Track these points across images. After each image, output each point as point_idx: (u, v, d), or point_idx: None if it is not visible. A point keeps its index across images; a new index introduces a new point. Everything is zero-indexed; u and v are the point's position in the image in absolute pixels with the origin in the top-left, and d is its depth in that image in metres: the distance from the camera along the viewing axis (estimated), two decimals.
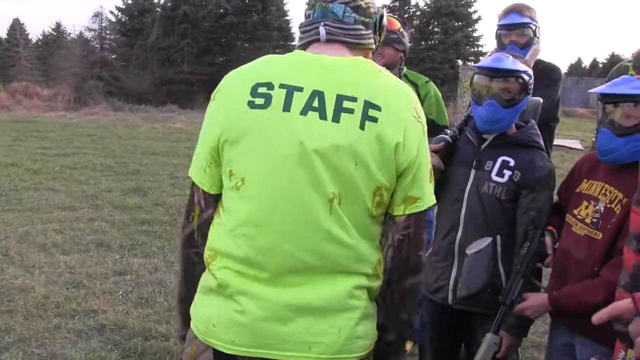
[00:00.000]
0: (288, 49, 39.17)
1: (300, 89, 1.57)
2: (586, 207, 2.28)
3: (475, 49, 38.81)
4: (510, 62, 2.43)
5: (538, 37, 3.41)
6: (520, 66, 2.44)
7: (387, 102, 1.59)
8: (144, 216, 6.98)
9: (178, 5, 35.87)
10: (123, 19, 38.40)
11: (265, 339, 1.59)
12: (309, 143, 1.53)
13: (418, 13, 39.92)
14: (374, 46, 1.79)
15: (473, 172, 2.50)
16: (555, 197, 2.58)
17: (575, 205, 2.33)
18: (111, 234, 6.30)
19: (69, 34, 48.81)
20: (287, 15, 39.01)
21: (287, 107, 1.56)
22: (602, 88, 2.22)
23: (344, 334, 1.61)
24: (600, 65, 53.84)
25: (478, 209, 2.46)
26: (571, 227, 2.31)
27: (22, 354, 3.65)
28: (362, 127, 1.54)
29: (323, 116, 1.55)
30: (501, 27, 3.44)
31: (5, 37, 49.85)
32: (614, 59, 46.71)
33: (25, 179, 8.92)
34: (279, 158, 1.55)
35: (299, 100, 1.56)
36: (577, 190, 2.36)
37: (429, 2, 39.04)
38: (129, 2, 38.32)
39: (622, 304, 1.31)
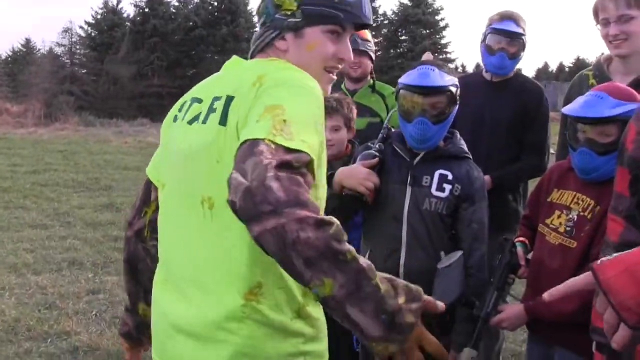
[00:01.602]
0: None
1: (200, 100, 1.54)
2: (559, 217, 2.28)
3: (444, 55, 39.25)
4: (437, 77, 2.32)
5: (524, 49, 3.33)
6: (447, 80, 2.33)
7: (241, 89, 1.44)
8: (117, 233, 6.88)
9: (147, 19, 35.76)
10: (93, 34, 38.13)
11: (166, 354, 1.50)
12: (184, 148, 1.50)
13: (386, 22, 40.25)
14: (274, 40, 1.59)
15: (409, 188, 2.37)
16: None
17: (547, 215, 2.33)
18: (83, 251, 6.22)
19: (39, 49, 48.26)
20: (256, 27, 39.05)
21: (185, 117, 1.55)
22: (577, 110, 2.15)
23: None
24: (567, 69, 54.68)
25: (420, 227, 2.34)
26: (544, 237, 2.31)
27: None
28: (222, 122, 1.42)
29: (200, 121, 1.49)
30: (494, 30, 3.30)
31: None
32: (579, 64, 47.58)
33: None
34: (170, 165, 1.57)
35: (195, 110, 1.53)
36: (548, 199, 2.36)
37: (396, 11, 39.45)
38: (98, 17, 38.10)
39: (581, 278, 1.18)
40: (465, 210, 2.35)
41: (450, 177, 2.35)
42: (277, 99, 1.35)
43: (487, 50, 3.33)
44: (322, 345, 1.52)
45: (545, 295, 1.22)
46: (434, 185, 2.35)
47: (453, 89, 2.33)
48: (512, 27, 3.28)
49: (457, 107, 2.38)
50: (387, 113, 3.72)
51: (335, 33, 1.58)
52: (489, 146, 3.24)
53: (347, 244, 1.17)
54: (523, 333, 4.02)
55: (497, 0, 62.78)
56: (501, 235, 3.07)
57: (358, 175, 2.30)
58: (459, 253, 2.26)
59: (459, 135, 2.49)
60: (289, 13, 1.55)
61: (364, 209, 2.43)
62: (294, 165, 1.22)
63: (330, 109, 2.74)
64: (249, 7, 39.13)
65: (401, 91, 2.39)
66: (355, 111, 2.90)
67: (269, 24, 1.60)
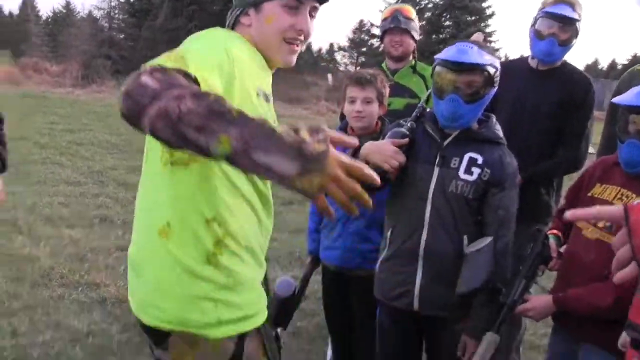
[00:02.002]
0: None
1: None
2: None
3: (489, 44, 38.64)
4: (475, 54, 2.25)
5: (576, 37, 3.15)
6: (486, 58, 2.26)
7: None
8: None
9: None
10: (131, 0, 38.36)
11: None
12: None
13: (430, 5, 39.75)
14: (239, 17, 1.71)
15: (437, 169, 2.33)
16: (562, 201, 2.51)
17: None
18: (114, 209, 6.45)
19: (78, 12, 48.83)
20: None
21: None
22: (631, 99, 2.11)
23: (137, 296, 1.63)
24: (620, 67, 53.12)
25: (445, 208, 2.31)
26: (581, 231, 2.26)
27: (29, 320, 3.80)
28: None
29: None
30: (547, 14, 3.12)
31: (17, 13, 49.86)
32: (635, 61, 46.04)
33: (34, 152, 9.09)
34: None
35: None
36: (589, 194, 2.31)
37: None
38: None
39: (611, 208, 1.16)
40: (493, 196, 2.30)
41: (480, 161, 2.30)
42: (182, 46, 1.49)
43: (537, 35, 3.16)
44: (241, 298, 1.59)
45: (568, 214, 1.18)
46: (462, 168, 2.30)
47: (491, 70, 2.26)
48: (567, 12, 3.09)
49: (494, 89, 2.31)
50: (428, 96, 3.74)
51: (293, 7, 1.67)
52: (527, 134, 3.14)
53: (232, 106, 1.19)
54: (543, 327, 4.08)
55: None
56: (531, 228, 3.03)
57: (384, 152, 2.28)
58: (489, 239, 2.24)
59: (494, 120, 2.44)
60: None
61: (386, 185, 2.39)
62: (169, 69, 1.28)
63: (364, 81, 2.77)
64: None
65: (436, 67, 2.32)
66: (387, 88, 2.89)
67: (236, 2, 1.72)
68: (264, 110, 1.60)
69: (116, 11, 38.87)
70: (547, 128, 3.17)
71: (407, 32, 3.70)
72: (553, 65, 3.22)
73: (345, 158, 1.19)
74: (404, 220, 2.40)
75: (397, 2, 38.28)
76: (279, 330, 1.89)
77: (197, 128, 1.16)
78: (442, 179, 2.32)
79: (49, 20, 52.38)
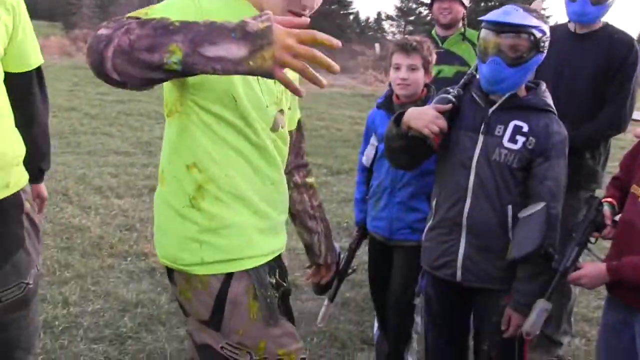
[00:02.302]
0: (344, 5, 38.74)
1: None
2: None
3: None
4: (519, 16, 2.18)
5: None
6: (531, 21, 2.19)
7: None
8: None
9: None
10: None
11: None
12: None
13: None
14: None
15: (481, 137, 2.28)
16: (616, 169, 2.46)
17: None
18: None
19: None
20: None
21: None
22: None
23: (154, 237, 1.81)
24: None
25: (488, 177, 2.26)
26: (638, 199, 2.19)
27: (80, 290, 3.83)
28: None
29: None
30: None
31: None
32: None
33: (84, 123, 9.20)
34: None
35: None
36: None
37: None
38: None
39: None
40: (538, 166, 2.23)
41: (525, 129, 2.24)
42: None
43: None
44: (226, 242, 1.66)
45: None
46: (507, 136, 2.25)
47: (537, 34, 2.19)
48: None
49: (541, 55, 2.24)
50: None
51: None
52: (567, 101, 3.02)
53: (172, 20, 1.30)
54: (596, 299, 4.01)
55: None
56: (576, 195, 3.03)
57: (425, 117, 2.26)
58: (542, 204, 2.16)
59: (544, 87, 2.36)
60: None
61: (431, 153, 2.39)
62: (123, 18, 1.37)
63: (409, 48, 2.71)
64: None
65: (482, 30, 2.27)
66: (434, 55, 2.81)
67: None
68: None
69: None
70: (587, 92, 3.10)
71: None
72: (592, 28, 3.16)
73: (299, 31, 1.26)
74: (447, 188, 2.37)
75: None
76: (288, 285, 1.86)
77: (148, 49, 1.27)
78: (486, 146, 2.27)
79: None
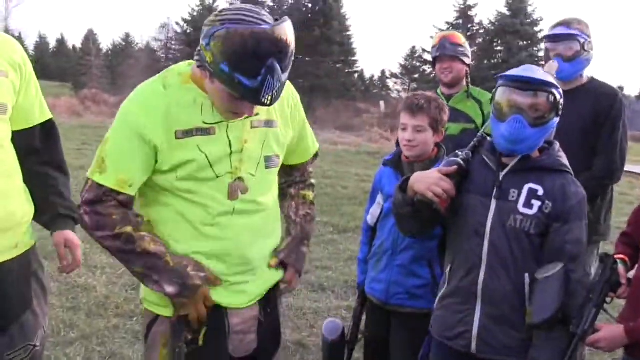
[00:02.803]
0: (348, 64, 39.40)
1: None
2: None
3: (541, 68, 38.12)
4: (541, 73, 2.16)
5: (587, 51, 3.27)
6: (552, 80, 2.15)
7: None
8: None
9: None
10: (188, 30, 39.37)
11: None
12: None
13: (481, 31, 39.53)
14: (199, 65, 1.87)
15: (494, 202, 2.18)
16: (624, 224, 2.44)
17: None
18: None
19: (137, 44, 50.41)
20: (349, 31, 39.25)
21: None
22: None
23: None
24: None
25: (503, 245, 2.15)
26: None
27: (85, 350, 3.79)
28: None
29: None
30: (547, 38, 3.36)
31: (80, 46, 51.82)
32: None
33: None
34: None
35: None
36: None
37: (493, 21, 38.60)
38: (195, 14, 39.26)
39: None
40: (557, 230, 2.13)
41: (540, 192, 2.15)
42: (108, 133, 1.95)
43: (545, 60, 3.34)
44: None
45: None
46: (522, 201, 2.15)
47: (557, 94, 2.14)
48: (563, 30, 3.27)
49: (557, 118, 2.19)
50: (483, 119, 3.69)
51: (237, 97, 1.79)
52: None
53: (141, 241, 1.89)
54: (608, 359, 3.92)
55: (602, 10, 60.32)
56: None
57: (428, 179, 2.19)
58: (560, 265, 2.08)
59: (558, 147, 2.28)
60: (208, 60, 1.77)
61: (440, 219, 2.31)
62: (102, 199, 1.90)
63: (416, 108, 2.63)
64: (342, 11, 39.35)
65: (499, 88, 2.18)
66: (446, 114, 2.74)
67: (199, 52, 1.84)
68: (196, 143, 1.87)
69: (173, 42, 39.96)
70: (579, 145, 3.18)
71: (456, 58, 3.72)
72: (577, 84, 3.31)
73: (210, 297, 1.95)
74: (460, 256, 2.27)
75: (448, 29, 38.18)
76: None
77: (120, 259, 1.96)
78: (499, 212, 2.18)
79: (109, 52, 54.14)
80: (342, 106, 27.49)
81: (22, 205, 2.05)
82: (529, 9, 37.46)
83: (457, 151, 2.33)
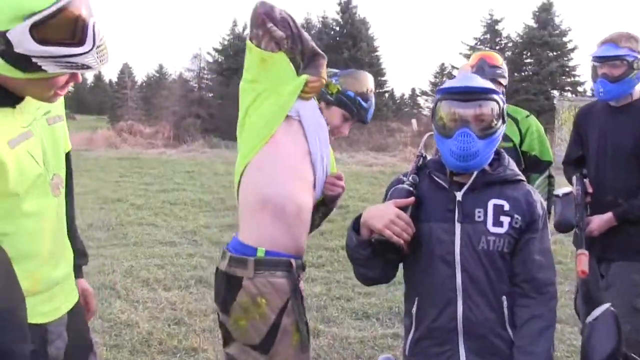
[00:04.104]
0: (379, 84, 39.39)
1: None
2: None
3: (572, 79, 37.52)
4: (481, 81, 2.02)
5: (638, 70, 3.12)
6: (492, 86, 2.02)
7: None
8: None
9: None
10: (220, 59, 39.77)
11: None
12: None
13: (510, 44, 39.22)
14: None
15: (459, 226, 1.99)
16: None
17: None
18: (210, 270, 6.42)
19: (170, 75, 51.23)
20: (377, 51, 39.24)
21: None
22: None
23: None
24: None
25: (478, 270, 1.97)
26: None
27: None
28: None
29: None
30: (593, 58, 3.23)
31: (116, 80, 52.98)
32: None
33: (130, 214, 9.33)
34: None
35: None
36: None
37: (520, 33, 38.28)
38: (225, 43, 39.74)
39: None
40: (528, 243, 2.00)
41: (507, 207, 1.99)
42: None
43: (593, 78, 3.25)
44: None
45: None
46: (490, 220, 1.98)
47: (500, 101, 1.99)
48: (610, 51, 3.14)
49: (504, 126, 2.04)
50: (521, 137, 3.65)
51: None
52: (613, 176, 3.15)
53: None
54: None
55: (630, 16, 59.48)
56: (633, 267, 3.04)
57: (384, 215, 1.96)
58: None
59: (506, 155, 2.14)
60: (332, 90, 2.66)
61: (403, 257, 2.09)
62: None
63: None
64: (370, 32, 39.45)
65: (440, 103, 2.01)
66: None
67: None
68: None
69: (205, 71, 40.43)
70: (632, 164, 3.11)
71: (494, 80, 3.64)
72: (628, 100, 3.20)
73: None
74: (430, 291, 2.03)
75: (476, 45, 37.95)
76: None
77: None
78: (468, 236, 1.98)
79: (144, 84, 55.15)
80: (374, 127, 27.41)
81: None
82: (557, 20, 37.03)
83: (400, 176, 2.18)
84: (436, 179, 2.07)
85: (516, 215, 1.99)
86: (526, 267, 2.00)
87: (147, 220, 8.90)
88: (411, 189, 2.03)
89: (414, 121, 32.12)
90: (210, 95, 39.60)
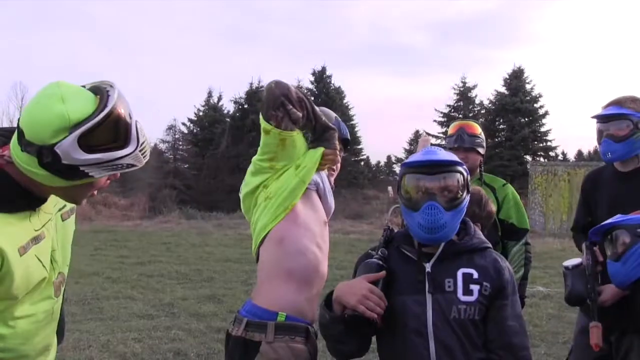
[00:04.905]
0: (354, 152, 39.86)
1: None
2: None
3: (544, 143, 38.35)
4: (444, 154, 2.08)
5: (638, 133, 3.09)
6: (456, 158, 2.08)
7: None
8: (220, 324, 7.00)
9: (246, 115, 37.32)
10: (195, 130, 40.03)
11: None
12: None
13: (483, 111, 40.12)
14: None
15: (429, 297, 2.00)
16: None
17: None
18: (188, 342, 6.34)
19: None
20: (353, 120, 39.89)
21: None
22: None
23: None
24: None
25: (452, 340, 1.97)
26: None
27: None
28: None
29: None
30: (597, 118, 3.20)
31: None
32: None
33: (106, 287, 9.20)
34: None
35: None
36: None
37: (493, 100, 39.24)
38: (200, 114, 40.11)
39: None
40: (496, 309, 2.02)
41: (475, 275, 2.02)
42: None
43: (598, 140, 3.20)
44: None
45: None
46: (460, 289, 2.01)
47: (464, 172, 2.05)
48: (614, 110, 3.13)
49: (468, 196, 2.08)
50: (498, 205, 3.69)
51: None
52: None
53: None
54: None
55: (601, 82, 61.09)
56: None
57: (357, 291, 1.99)
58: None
59: (472, 224, 2.19)
60: None
61: (376, 329, 2.10)
62: None
63: None
64: (345, 100, 40.19)
65: (405, 177, 2.07)
66: (489, 207, 2.70)
67: None
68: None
69: (180, 142, 40.60)
70: None
71: (472, 149, 3.76)
72: (636, 164, 3.17)
73: None
74: None
75: (449, 112, 38.66)
76: None
77: None
78: (439, 307, 2.00)
79: None
80: (350, 195, 27.62)
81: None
82: (527, 87, 38.14)
83: (368, 250, 2.21)
84: (405, 252, 2.11)
85: (485, 283, 2.02)
86: (501, 334, 2.01)
87: (124, 294, 8.77)
88: (381, 262, 2.06)
89: (390, 188, 32.34)
90: (186, 166, 39.70)
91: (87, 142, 1.49)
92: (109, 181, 1.70)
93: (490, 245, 2.15)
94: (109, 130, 1.51)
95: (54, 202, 1.73)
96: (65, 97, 1.50)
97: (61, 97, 1.50)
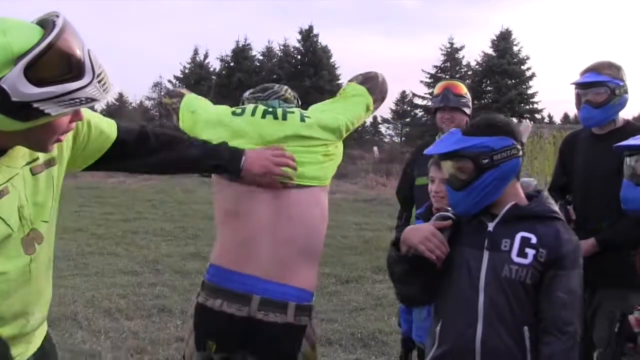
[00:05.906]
0: None
1: None
2: None
3: (530, 106, 38.51)
4: (450, 143, 2.15)
5: (619, 96, 3.20)
6: (465, 144, 2.11)
7: None
8: None
9: (233, 72, 37.13)
10: (181, 87, 39.73)
11: None
12: None
13: (469, 72, 40.07)
14: None
15: (486, 253, 2.11)
16: None
17: None
18: (172, 299, 6.41)
19: (131, 103, 50.76)
20: (339, 79, 39.72)
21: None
22: None
23: None
24: None
25: (500, 297, 2.05)
26: None
27: None
28: None
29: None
30: (576, 85, 3.30)
31: None
32: None
33: (91, 244, 9.23)
34: None
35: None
36: None
37: (480, 62, 39.16)
38: (186, 71, 39.77)
39: None
40: (553, 278, 2.05)
41: (534, 240, 2.07)
42: None
43: (577, 105, 3.32)
44: None
45: None
46: (515, 250, 2.07)
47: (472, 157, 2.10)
48: (592, 77, 3.22)
49: (490, 171, 2.10)
50: None
51: None
52: (601, 204, 3.16)
53: None
54: None
55: (587, 44, 60.96)
56: (620, 293, 3.00)
57: (421, 233, 2.13)
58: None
59: (546, 194, 2.25)
60: None
61: (439, 274, 2.19)
62: None
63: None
64: (331, 60, 39.93)
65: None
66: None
67: None
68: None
69: None
70: (618, 191, 2.99)
71: (457, 109, 3.77)
72: (611, 127, 3.28)
73: None
74: (454, 314, 2.15)
75: (436, 72, 38.49)
76: None
77: None
78: (493, 263, 2.09)
79: (103, 113, 54.46)
80: None
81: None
82: (515, 49, 38.05)
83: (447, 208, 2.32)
84: None
85: (541, 249, 2.07)
86: (549, 303, 2.05)
87: (109, 250, 8.82)
88: (451, 215, 2.20)
89: (375, 148, 32.49)
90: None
91: (36, 75, 1.40)
92: (72, 123, 1.63)
93: (560, 216, 2.18)
94: (58, 60, 1.43)
95: (21, 155, 1.65)
96: (7, 30, 1.42)
97: (3, 30, 1.42)
